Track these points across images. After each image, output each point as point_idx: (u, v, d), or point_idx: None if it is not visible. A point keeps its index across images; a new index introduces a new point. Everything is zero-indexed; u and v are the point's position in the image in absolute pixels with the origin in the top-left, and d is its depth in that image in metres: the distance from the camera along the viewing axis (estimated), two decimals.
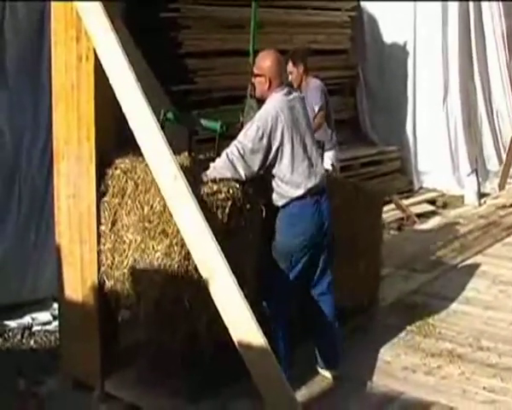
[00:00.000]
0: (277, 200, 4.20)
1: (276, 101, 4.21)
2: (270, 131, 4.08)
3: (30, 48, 5.77)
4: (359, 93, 11.07)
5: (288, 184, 4.16)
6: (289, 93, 4.29)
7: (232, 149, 4.06)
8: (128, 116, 3.99)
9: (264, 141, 4.07)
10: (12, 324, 5.59)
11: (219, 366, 4.23)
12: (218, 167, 4.06)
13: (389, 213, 8.92)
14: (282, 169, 4.15)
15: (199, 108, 7.76)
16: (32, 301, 5.81)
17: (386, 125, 10.79)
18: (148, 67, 6.76)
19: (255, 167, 4.07)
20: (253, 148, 4.05)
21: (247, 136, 4.08)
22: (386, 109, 10.80)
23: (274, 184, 4.18)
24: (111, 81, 4.04)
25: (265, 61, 4.28)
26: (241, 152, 4.03)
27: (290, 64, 6.48)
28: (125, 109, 4.00)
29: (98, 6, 4.08)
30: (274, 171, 4.16)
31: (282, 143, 4.11)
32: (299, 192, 4.17)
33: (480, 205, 9.62)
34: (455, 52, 10.62)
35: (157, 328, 3.99)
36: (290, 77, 6.38)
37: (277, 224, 4.22)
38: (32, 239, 5.85)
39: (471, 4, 10.84)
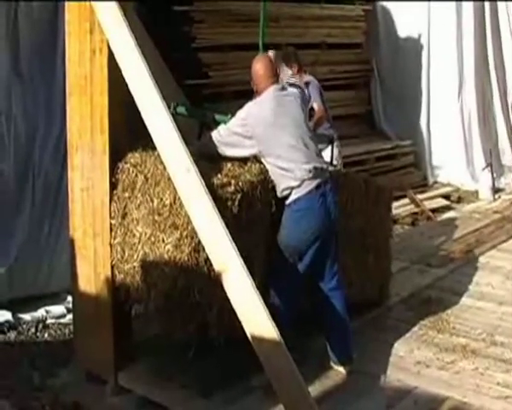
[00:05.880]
0: (280, 188, 4.19)
1: (266, 93, 4.30)
2: (255, 117, 4.17)
3: (44, 39, 5.75)
4: (373, 87, 11.01)
5: (288, 172, 4.15)
6: (283, 89, 4.36)
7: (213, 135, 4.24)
8: (141, 109, 3.98)
9: (247, 125, 4.16)
10: (26, 317, 5.61)
11: (231, 360, 4.23)
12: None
13: (403, 207, 8.90)
14: (278, 157, 4.16)
15: (213, 102, 7.77)
16: (47, 294, 5.82)
17: (400, 119, 10.73)
18: (161, 60, 6.77)
19: (233, 148, 4.20)
20: (236, 131, 4.18)
21: (235, 118, 4.25)
22: (401, 103, 10.74)
23: (275, 173, 4.18)
24: (124, 74, 4.04)
25: (254, 66, 4.41)
26: (221, 138, 4.20)
27: (283, 65, 6.38)
28: (138, 102, 4.00)
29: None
30: (272, 160, 4.17)
31: (273, 131, 4.15)
32: (301, 177, 4.15)
33: (494, 200, 9.58)
34: (470, 45, 10.54)
35: (168, 320, 3.99)
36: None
37: (284, 219, 4.20)
38: (46, 232, 5.86)
39: None
